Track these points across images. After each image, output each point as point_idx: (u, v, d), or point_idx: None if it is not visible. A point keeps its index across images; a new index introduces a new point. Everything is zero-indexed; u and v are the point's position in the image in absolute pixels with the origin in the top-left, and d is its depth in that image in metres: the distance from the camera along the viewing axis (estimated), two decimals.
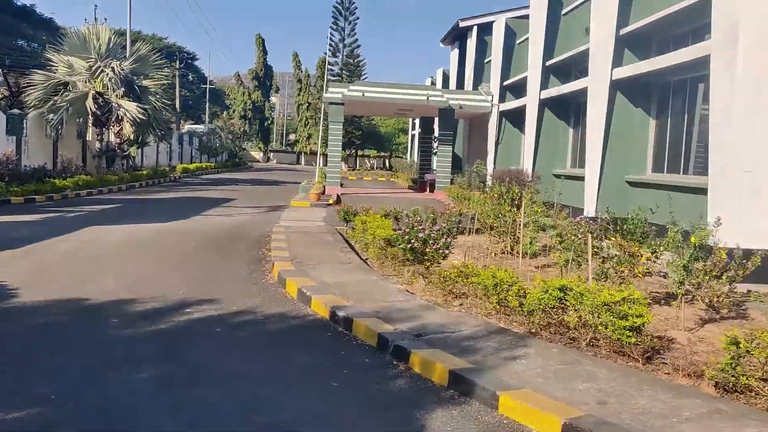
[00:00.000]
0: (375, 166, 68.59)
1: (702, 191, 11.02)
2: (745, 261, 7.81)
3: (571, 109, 20.12)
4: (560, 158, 20.70)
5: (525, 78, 22.69)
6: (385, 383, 5.30)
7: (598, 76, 15.56)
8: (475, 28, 29.93)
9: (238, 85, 76.64)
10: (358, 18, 51.62)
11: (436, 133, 30.99)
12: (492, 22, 28.79)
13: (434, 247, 8.75)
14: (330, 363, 5.74)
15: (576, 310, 6.14)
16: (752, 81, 9.76)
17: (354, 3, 51.14)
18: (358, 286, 8.26)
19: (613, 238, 8.09)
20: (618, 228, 8.25)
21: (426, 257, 8.86)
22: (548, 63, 20.23)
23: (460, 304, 7.68)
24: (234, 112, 72.60)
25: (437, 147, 26.44)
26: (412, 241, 8.77)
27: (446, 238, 8.89)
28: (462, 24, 30.22)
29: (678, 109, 13.88)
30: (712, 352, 6.06)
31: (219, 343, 6.27)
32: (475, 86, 29.80)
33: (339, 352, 6.08)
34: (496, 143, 26.09)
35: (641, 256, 7.63)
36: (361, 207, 14.38)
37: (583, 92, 17.15)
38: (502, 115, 25.88)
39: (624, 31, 14.71)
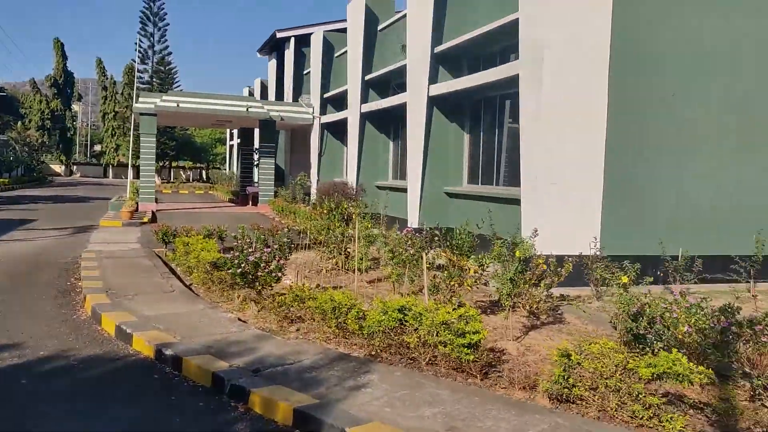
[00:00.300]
0: (191, 178, 65.82)
1: (515, 201, 11.74)
2: (559, 268, 8.40)
3: (391, 123, 20.67)
4: (382, 170, 21.17)
5: (345, 91, 22.96)
6: (224, 430, 4.88)
7: (416, 92, 16.09)
8: (292, 39, 29.78)
9: (34, 93, 69.79)
10: (168, 24, 49.13)
11: (257, 144, 30.38)
12: (310, 34, 28.82)
13: (266, 270, 8.38)
14: (159, 412, 5.19)
15: (416, 330, 6.14)
16: (557, 100, 10.57)
17: (163, 8, 48.62)
18: (185, 318, 7.66)
19: (443, 253, 8.27)
20: (448, 242, 8.47)
21: (258, 281, 8.46)
22: (367, 77, 20.61)
23: (297, 330, 7.40)
24: (30, 122, 65.88)
25: (259, 159, 25.90)
26: (243, 265, 8.33)
27: (279, 260, 8.56)
28: (279, 35, 29.93)
29: (489, 125, 14.75)
30: (540, 361, 6.37)
31: (24, 400, 5.41)
32: (296, 98, 29.67)
33: (169, 397, 5.52)
34: (319, 155, 26.11)
35: (470, 269, 7.88)
36: (182, 226, 13.53)
37: (402, 107, 17.66)
38: (324, 127, 25.97)
39: (438, 49, 15.35)
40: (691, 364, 4.71)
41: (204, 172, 67.53)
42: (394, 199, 18.06)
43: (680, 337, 5.61)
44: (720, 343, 5.32)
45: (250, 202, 28.47)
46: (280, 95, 33.21)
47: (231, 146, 51.50)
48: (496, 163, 14.44)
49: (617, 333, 6.29)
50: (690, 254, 10.46)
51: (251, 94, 42.31)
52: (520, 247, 7.64)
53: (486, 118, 14.93)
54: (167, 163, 56.94)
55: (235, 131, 46.26)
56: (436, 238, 10.13)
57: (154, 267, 11.29)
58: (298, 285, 8.56)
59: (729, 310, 5.54)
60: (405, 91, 17.22)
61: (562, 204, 10.68)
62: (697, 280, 10.40)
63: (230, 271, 8.52)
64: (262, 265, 8.38)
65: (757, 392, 5.13)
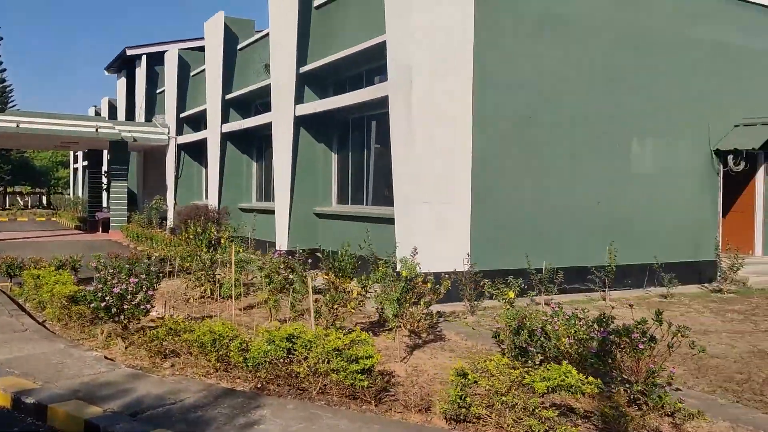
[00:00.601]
0: (30, 205, 60.41)
1: (387, 221, 11.86)
2: (438, 286, 8.54)
3: (255, 143, 20.23)
4: (246, 192, 20.63)
5: (204, 111, 22.21)
6: None
7: (282, 112, 15.86)
8: (144, 56, 28.40)
9: None
10: (1, 38, 45.21)
11: (106, 167, 28.53)
12: (163, 52, 27.66)
13: (133, 302, 7.76)
14: None
15: (305, 358, 5.92)
16: (426, 119, 10.82)
17: None
18: (44, 360, 6.89)
19: (324, 275, 8.11)
20: (330, 264, 8.30)
21: (124, 314, 7.81)
22: (228, 96, 20.05)
23: (172, 365, 6.89)
24: None
25: (109, 182, 24.30)
26: (107, 297, 7.65)
27: (147, 291, 7.96)
28: (130, 52, 28.41)
29: (357, 144, 14.84)
30: (430, 381, 6.37)
31: None
32: (149, 118, 28.28)
33: None
34: (176, 178, 24.97)
35: (353, 291, 7.78)
36: (29, 257, 12.27)
37: (266, 126, 17.34)
38: (181, 148, 24.91)
39: (304, 69, 15.25)
40: (581, 375, 4.89)
41: (44, 198, 62.41)
42: (261, 221, 17.64)
43: (563, 348, 5.83)
44: (600, 352, 5.59)
45: (101, 229, 26.59)
46: (130, 115, 31.49)
47: (75, 169, 48.01)
48: (365, 182, 14.53)
49: (502, 347, 6.44)
50: (552, 266, 11.07)
51: (98, 113, 39.77)
52: (404, 266, 7.65)
53: (354, 138, 15.01)
54: (2, 188, 52.04)
55: (80, 153, 43.25)
56: (312, 261, 9.95)
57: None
58: (168, 317, 8.01)
59: (604, 320, 5.84)
60: (269, 110, 16.97)
61: (434, 222, 10.90)
62: (557, 291, 11.04)
63: (93, 305, 7.80)
64: (128, 296, 7.75)
65: (634, 397, 5.44)
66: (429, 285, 7.92)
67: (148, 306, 7.94)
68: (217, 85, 20.25)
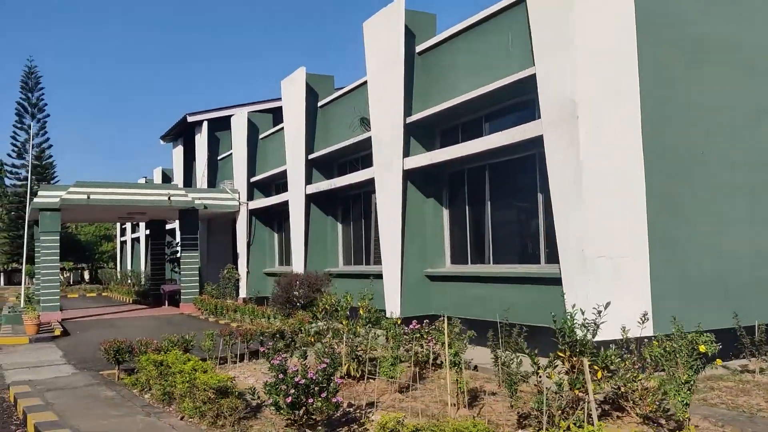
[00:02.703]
0: (71, 281, 59.67)
1: (519, 280, 10.41)
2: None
3: (339, 204, 18.99)
4: (331, 256, 19.23)
5: (279, 173, 21.21)
6: None
7: (384, 167, 14.61)
8: (205, 123, 27.74)
9: None
10: (48, 115, 45.53)
11: (177, 236, 27.57)
12: (224, 117, 27.05)
13: (322, 395, 6.24)
14: None
15: None
16: (596, 159, 9.42)
17: (43, 98, 45.03)
18: None
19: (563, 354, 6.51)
20: (563, 339, 6.70)
21: (309, 410, 6.27)
22: (311, 156, 18.92)
23: None
24: None
25: (181, 253, 23.14)
26: (292, 391, 6.15)
27: (331, 379, 6.45)
28: (191, 119, 27.78)
29: (477, 199, 13.45)
30: None
31: None
32: (211, 185, 27.42)
33: None
34: (248, 244, 23.76)
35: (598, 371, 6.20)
36: (137, 340, 10.85)
37: (363, 184, 16.14)
38: (252, 213, 23.80)
39: (410, 119, 14.05)
40: None
41: (87, 272, 61.71)
42: (353, 286, 16.07)
43: None
44: None
45: (166, 302, 25.32)
46: (188, 183, 30.72)
47: (123, 242, 47.26)
48: (486, 239, 13.06)
49: None
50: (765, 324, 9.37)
51: (149, 182, 39.22)
52: (702, 341, 6.07)
53: (472, 190, 13.62)
54: None
55: (128, 226, 42.56)
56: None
57: (121, 398, 8.66)
58: (383, 416, 6.27)
59: None
60: (358, 167, 15.80)
61: (612, 279, 9.34)
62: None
63: (273, 403, 6.27)
64: (314, 388, 6.24)
65: None
66: (703, 348, 6.24)
67: (339, 399, 6.40)
68: (298, 144, 19.16)
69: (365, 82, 15.79)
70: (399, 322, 10.74)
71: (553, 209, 9.94)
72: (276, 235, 24.00)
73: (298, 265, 19.10)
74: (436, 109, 13.40)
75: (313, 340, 10.97)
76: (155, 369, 9.12)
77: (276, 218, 23.70)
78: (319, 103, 19.24)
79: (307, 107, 18.93)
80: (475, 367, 10.14)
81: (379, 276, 14.87)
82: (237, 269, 23.82)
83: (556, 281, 10.22)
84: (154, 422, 7.29)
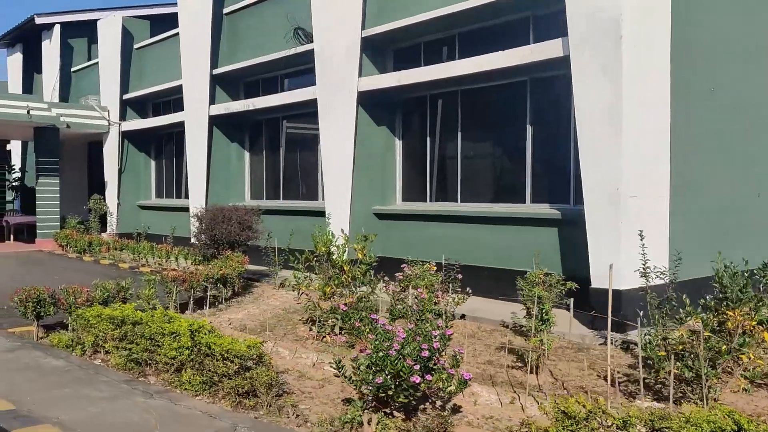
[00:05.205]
0: None
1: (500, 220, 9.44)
2: None
3: (247, 129, 16.60)
4: (234, 189, 16.86)
5: (160, 91, 18.26)
6: None
7: (335, 85, 12.66)
8: (57, 26, 23.23)
9: None
10: None
11: (32, 158, 23.20)
12: (82, 22, 22.93)
13: (443, 377, 4.63)
14: None
15: None
16: (636, 88, 8.38)
17: None
18: None
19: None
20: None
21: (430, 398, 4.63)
22: (216, 72, 16.22)
23: None
24: None
25: (37, 180, 19.21)
26: (416, 367, 4.46)
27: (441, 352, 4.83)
28: (39, 20, 23.06)
29: (447, 128, 12.04)
30: None
31: None
32: (63, 100, 23.22)
33: None
34: (120, 172, 20.42)
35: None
36: (62, 288, 8.23)
37: (293, 106, 14.07)
38: (125, 136, 20.40)
39: (366, 33, 12.16)
40: None
41: None
42: (278, 225, 14.11)
43: None
44: None
45: (11, 237, 21.28)
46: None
47: None
48: (457, 175, 11.78)
49: None
50: None
51: None
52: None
53: (445, 118, 12.17)
54: None
55: None
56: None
57: (78, 368, 6.33)
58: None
59: None
60: (273, 87, 13.75)
61: (637, 222, 8.46)
62: None
63: (372, 384, 4.53)
64: (433, 364, 4.61)
65: None
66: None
67: (465, 372, 4.82)
68: (202, 56, 16.29)
69: None
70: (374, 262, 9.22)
71: (579, 146, 8.79)
72: (153, 162, 20.89)
73: (197, 199, 16.55)
74: (395, 24, 11.68)
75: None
76: (115, 329, 6.85)
77: (154, 142, 20.57)
78: (231, 7, 16.41)
79: (214, 10, 16.08)
80: (462, 316, 8.97)
81: (310, 213, 13.13)
82: (105, 201, 20.47)
83: (546, 222, 9.73)
84: (168, 406, 5.21)
